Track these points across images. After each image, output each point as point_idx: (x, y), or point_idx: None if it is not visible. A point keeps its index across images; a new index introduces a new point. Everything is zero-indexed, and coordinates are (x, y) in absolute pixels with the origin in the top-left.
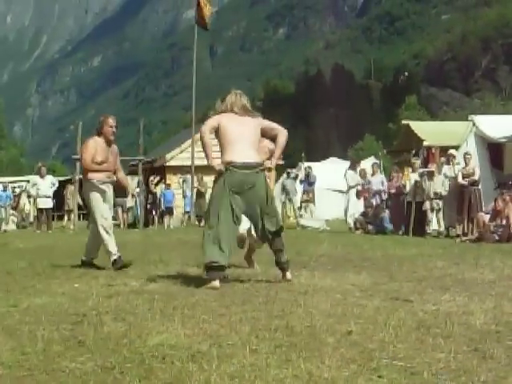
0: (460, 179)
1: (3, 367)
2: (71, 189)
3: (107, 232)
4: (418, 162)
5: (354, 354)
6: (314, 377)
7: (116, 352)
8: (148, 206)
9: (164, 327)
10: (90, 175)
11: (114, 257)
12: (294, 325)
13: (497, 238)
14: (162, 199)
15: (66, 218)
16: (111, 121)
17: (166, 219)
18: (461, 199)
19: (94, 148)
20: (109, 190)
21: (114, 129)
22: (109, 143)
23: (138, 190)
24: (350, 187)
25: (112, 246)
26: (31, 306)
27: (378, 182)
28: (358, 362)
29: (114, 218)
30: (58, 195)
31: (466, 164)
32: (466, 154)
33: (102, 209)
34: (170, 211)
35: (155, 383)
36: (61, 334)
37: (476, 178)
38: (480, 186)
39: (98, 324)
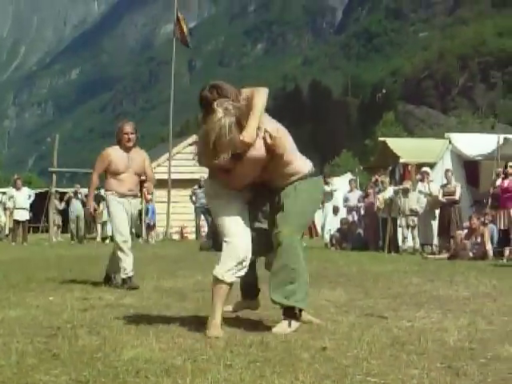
0: (440, 197)
1: None
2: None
3: (121, 248)
4: (387, 179)
5: (328, 369)
6: None
7: (90, 366)
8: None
9: (139, 341)
10: (108, 187)
11: (126, 275)
12: (268, 340)
13: (471, 255)
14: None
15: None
16: (127, 127)
17: (150, 234)
18: (440, 216)
19: (108, 158)
20: (129, 203)
21: (129, 135)
22: (127, 151)
23: None
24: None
25: (126, 263)
26: (5, 318)
27: (355, 197)
28: (332, 377)
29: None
30: (35, 207)
31: (448, 181)
32: (447, 171)
33: (118, 223)
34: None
35: None
36: (35, 347)
37: (457, 197)
38: (460, 204)
39: (73, 337)
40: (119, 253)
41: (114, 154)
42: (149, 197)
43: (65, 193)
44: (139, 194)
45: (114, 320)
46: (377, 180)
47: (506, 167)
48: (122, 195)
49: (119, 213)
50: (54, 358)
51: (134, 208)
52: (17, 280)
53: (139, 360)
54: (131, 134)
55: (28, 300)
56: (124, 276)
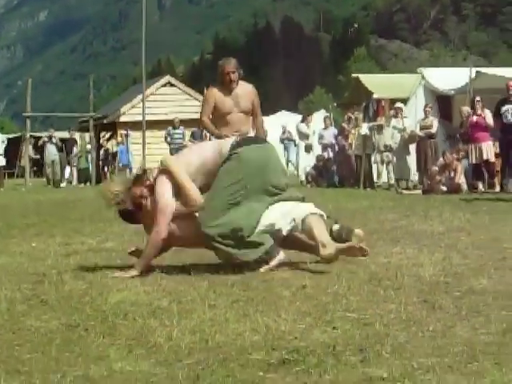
0: (417, 131)
1: None
2: (117, 141)
3: None
4: (360, 116)
5: (309, 307)
6: (272, 330)
7: (79, 310)
8: (100, 163)
9: (123, 285)
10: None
11: None
12: (249, 280)
13: (445, 189)
14: (118, 156)
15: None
16: (226, 67)
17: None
18: (417, 151)
19: (212, 98)
20: None
21: (230, 75)
22: (229, 91)
23: (89, 146)
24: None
25: None
26: None
27: (330, 135)
28: (313, 314)
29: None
30: (8, 153)
31: (426, 116)
32: (425, 106)
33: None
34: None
35: (119, 339)
36: (23, 294)
37: (433, 130)
38: (437, 139)
39: (59, 283)
40: None
41: (218, 95)
42: None
43: (39, 137)
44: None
45: (98, 264)
46: (350, 117)
47: (473, 102)
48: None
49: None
50: (42, 303)
51: None
52: None
53: (126, 303)
54: (232, 73)
55: (11, 247)
56: None
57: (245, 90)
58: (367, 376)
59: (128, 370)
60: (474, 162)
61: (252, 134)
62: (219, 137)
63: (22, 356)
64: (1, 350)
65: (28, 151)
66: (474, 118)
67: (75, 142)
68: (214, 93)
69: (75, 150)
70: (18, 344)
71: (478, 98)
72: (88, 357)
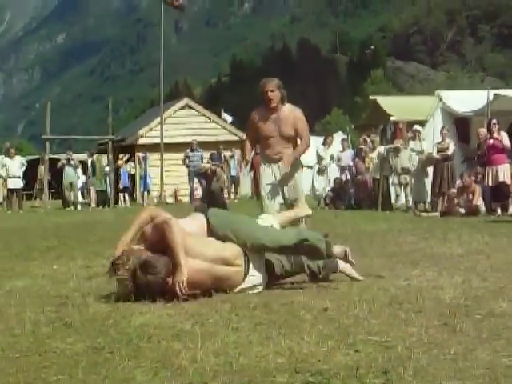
0: (435, 153)
1: None
2: (41, 169)
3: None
4: (377, 139)
5: (330, 329)
6: (295, 353)
7: (103, 333)
8: (120, 186)
9: (147, 308)
10: (260, 151)
11: None
12: (271, 303)
13: (463, 211)
14: (122, 179)
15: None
16: (266, 85)
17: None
18: (434, 174)
19: (254, 123)
20: (278, 169)
21: (269, 94)
22: (271, 112)
23: (107, 168)
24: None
25: None
26: (14, 288)
27: (348, 157)
28: (335, 337)
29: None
30: (27, 175)
31: (443, 139)
32: (442, 128)
33: (264, 190)
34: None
35: (144, 362)
36: (47, 316)
37: (449, 153)
38: (454, 161)
39: (82, 306)
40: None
41: (261, 116)
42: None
43: (56, 159)
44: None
45: None
46: (365, 139)
47: (489, 125)
48: (269, 161)
49: (265, 181)
50: (66, 326)
51: (285, 172)
52: (18, 249)
53: (149, 326)
54: (271, 91)
55: (32, 269)
56: None
57: (288, 115)
58: None
59: None
60: (490, 184)
61: (295, 163)
62: (244, 157)
63: (49, 378)
64: (28, 373)
65: (46, 173)
66: (491, 141)
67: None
68: (254, 117)
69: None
70: (44, 366)
71: (494, 121)
72: (114, 379)
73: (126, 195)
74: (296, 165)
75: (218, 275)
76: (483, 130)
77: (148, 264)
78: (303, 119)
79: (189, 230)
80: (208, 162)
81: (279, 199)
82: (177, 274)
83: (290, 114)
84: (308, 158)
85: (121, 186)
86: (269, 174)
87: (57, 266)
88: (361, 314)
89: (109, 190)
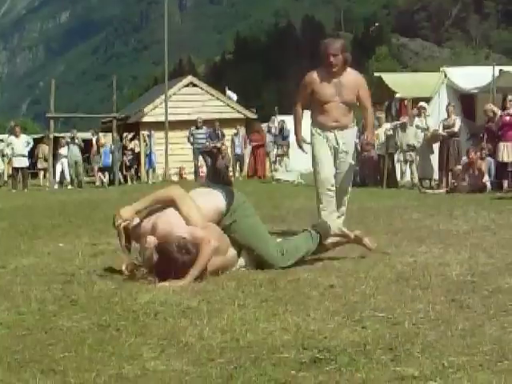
0: (440, 130)
1: (2, 327)
2: (43, 147)
3: (320, 195)
4: (383, 115)
5: (337, 306)
6: (302, 329)
7: (109, 310)
8: (128, 163)
9: (152, 285)
10: (313, 118)
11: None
12: (277, 280)
13: (469, 188)
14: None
15: (41, 176)
16: (329, 48)
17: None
18: (440, 150)
19: (311, 84)
20: (335, 138)
21: (331, 59)
22: (332, 74)
23: (113, 146)
24: None
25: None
26: (19, 266)
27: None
28: (341, 314)
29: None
30: (31, 153)
31: (448, 115)
32: (448, 105)
33: (320, 162)
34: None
35: (151, 339)
36: (53, 294)
37: (456, 129)
38: (460, 138)
39: (88, 283)
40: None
41: (320, 79)
42: None
43: (60, 137)
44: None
45: None
46: None
47: (504, 101)
48: (326, 128)
49: (322, 151)
50: (72, 303)
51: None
52: (24, 228)
53: (155, 303)
54: (333, 56)
55: (38, 247)
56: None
57: (350, 79)
58: (399, 375)
59: (161, 370)
60: (505, 159)
61: (352, 127)
62: (297, 135)
63: (55, 355)
64: (34, 350)
65: (50, 152)
66: (507, 118)
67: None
68: (313, 78)
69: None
70: (50, 344)
71: (510, 98)
72: (121, 356)
73: (106, 175)
74: (352, 146)
75: (226, 265)
76: (490, 106)
77: (185, 245)
78: (366, 87)
79: (206, 213)
80: (206, 141)
81: (331, 172)
82: (178, 281)
83: (354, 79)
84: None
85: (101, 166)
86: (323, 144)
87: (62, 243)
88: (367, 291)
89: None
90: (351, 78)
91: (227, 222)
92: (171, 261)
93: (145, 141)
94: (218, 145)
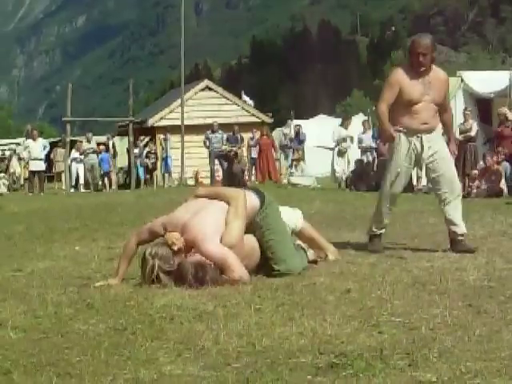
0: (457, 135)
1: (19, 330)
2: (60, 151)
3: (384, 202)
4: None
5: (354, 311)
6: (318, 334)
7: (125, 314)
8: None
9: (168, 289)
10: (396, 121)
11: (373, 232)
12: (293, 284)
13: (486, 193)
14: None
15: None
16: (418, 46)
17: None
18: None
19: (398, 83)
20: (420, 144)
21: (420, 58)
22: (420, 73)
23: (136, 151)
24: (336, 143)
25: (378, 220)
26: (35, 270)
27: (369, 138)
28: (358, 318)
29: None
30: (48, 157)
31: (465, 120)
32: (465, 109)
33: (393, 171)
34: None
35: (167, 343)
36: (69, 297)
37: (472, 134)
38: (476, 143)
39: (104, 287)
40: (380, 204)
41: (407, 78)
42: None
43: (76, 141)
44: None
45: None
46: None
47: None
48: (412, 132)
49: (399, 157)
50: (88, 307)
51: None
52: (40, 231)
53: (171, 307)
54: (423, 55)
55: (54, 251)
56: (372, 233)
57: (438, 78)
58: (416, 380)
59: (177, 374)
60: None
61: (440, 130)
62: (388, 135)
63: (71, 359)
64: (50, 353)
65: (67, 155)
66: None
67: (113, 145)
68: (401, 76)
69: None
70: (66, 347)
71: None
72: (137, 360)
73: (113, 179)
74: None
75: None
76: (504, 109)
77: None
78: (448, 84)
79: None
80: (225, 145)
81: (401, 187)
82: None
83: (441, 78)
84: (326, 139)
85: (101, 172)
86: (405, 151)
87: (78, 247)
88: (384, 296)
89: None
90: (438, 76)
91: (257, 219)
92: (182, 278)
93: (161, 144)
94: (235, 149)
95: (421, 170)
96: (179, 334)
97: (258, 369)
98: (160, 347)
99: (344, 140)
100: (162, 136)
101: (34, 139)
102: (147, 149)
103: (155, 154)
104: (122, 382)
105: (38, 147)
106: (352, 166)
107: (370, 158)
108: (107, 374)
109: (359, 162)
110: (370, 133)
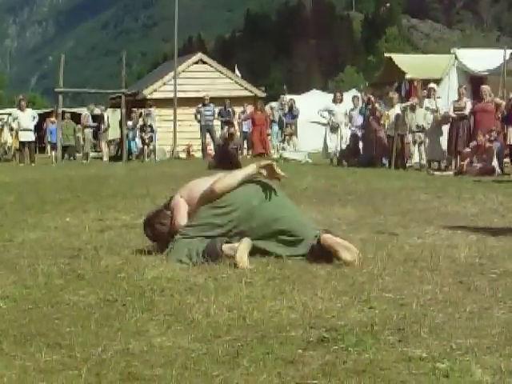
0: (451, 112)
1: (9, 300)
2: (50, 121)
3: None
4: (396, 96)
5: (345, 286)
6: (309, 308)
7: (116, 285)
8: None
9: (159, 261)
10: None
11: None
12: (284, 259)
13: (478, 171)
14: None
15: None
16: None
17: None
18: (449, 132)
19: None
20: None
21: None
22: None
23: (130, 123)
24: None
25: None
26: (26, 240)
27: (357, 115)
28: (349, 294)
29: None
30: (40, 128)
31: (460, 98)
32: (460, 87)
33: None
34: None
35: (158, 315)
36: (59, 268)
37: (466, 112)
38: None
39: (95, 258)
40: None
41: None
42: None
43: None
44: None
45: (132, 240)
46: (369, 98)
47: None
48: None
49: None
50: (79, 278)
51: None
52: (31, 202)
53: (162, 279)
54: None
55: (45, 222)
56: None
57: None
58: (406, 355)
59: (167, 346)
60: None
61: None
62: None
63: (61, 330)
64: (40, 324)
65: (60, 127)
66: None
67: (102, 118)
68: None
69: (102, 126)
70: (57, 318)
71: None
72: (127, 332)
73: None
74: None
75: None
76: (486, 87)
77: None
78: None
79: None
80: (219, 119)
81: None
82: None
83: None
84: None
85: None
86: None
87: (69, 218)
88: (375, 271)
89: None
90: None
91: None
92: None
93: (142, 118)
94: (232, 130)
95: (414, 146)
96: (170, 306)
97: (248, 342)
98: (150, 319)
99: (330, 113)
100: (145, 110)
101: (23, 110)
102: (141, 122)
103: (151, 127)
104: (111, 353)
105: (26, 118)
106: (345, 142)
107: (359, 134)
108: (97, 345)
109: (354, 136)
110: (357, 110)
